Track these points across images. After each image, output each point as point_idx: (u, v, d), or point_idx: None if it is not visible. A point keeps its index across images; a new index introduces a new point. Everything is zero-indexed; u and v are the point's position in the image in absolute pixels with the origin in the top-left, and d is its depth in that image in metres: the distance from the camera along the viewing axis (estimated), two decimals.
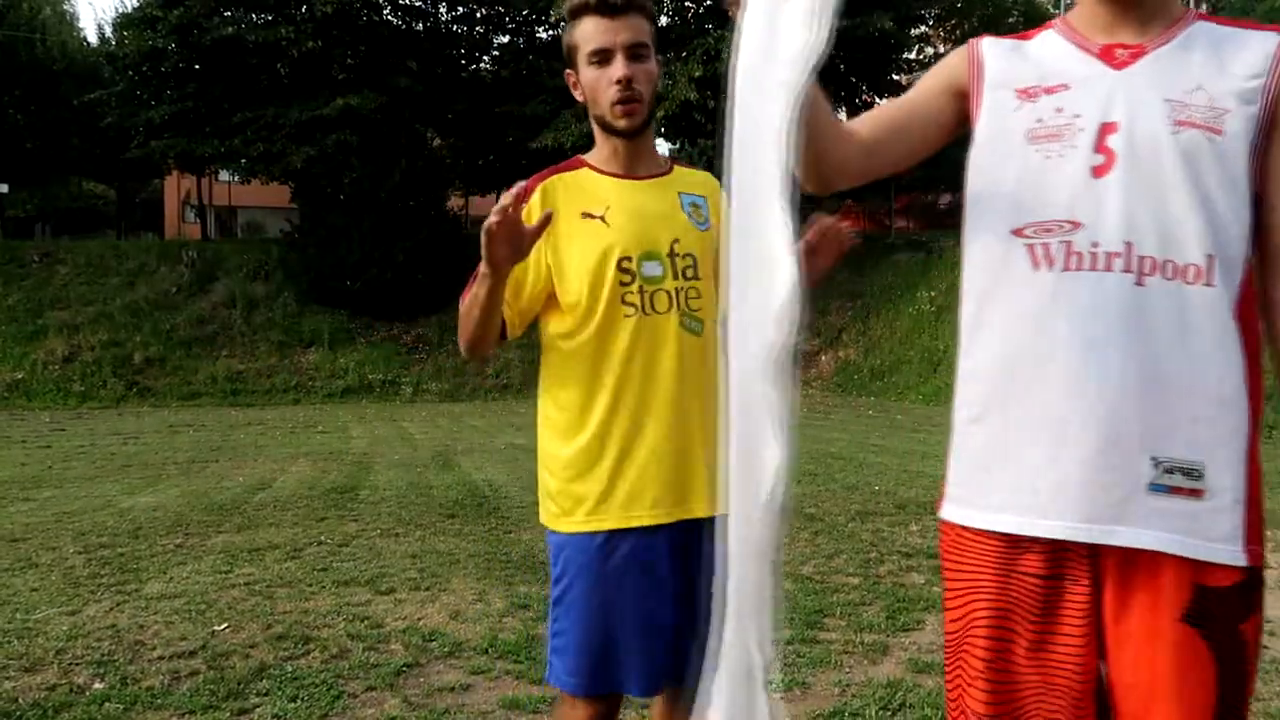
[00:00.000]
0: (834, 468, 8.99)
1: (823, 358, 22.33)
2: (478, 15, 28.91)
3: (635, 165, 2.06)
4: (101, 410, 19.76)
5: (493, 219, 1.74)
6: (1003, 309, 1.49)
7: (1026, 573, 1.44)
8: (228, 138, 24.71)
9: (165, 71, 25.77)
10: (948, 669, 1.55)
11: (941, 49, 29.19)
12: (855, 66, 23.84)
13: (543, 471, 2.09)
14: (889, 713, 3.29)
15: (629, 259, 1.97)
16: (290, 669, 3.75)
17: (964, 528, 1.51)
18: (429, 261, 23.76)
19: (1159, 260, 1.39)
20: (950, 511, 1.54)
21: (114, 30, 30.47)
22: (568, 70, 2.07)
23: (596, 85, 1.98)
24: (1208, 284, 1.39)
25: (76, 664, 3.83)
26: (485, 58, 29.80)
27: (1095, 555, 1.41)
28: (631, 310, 1.97)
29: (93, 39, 35.95)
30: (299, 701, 3.42)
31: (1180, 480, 1.38)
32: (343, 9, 24.19)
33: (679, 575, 1.99)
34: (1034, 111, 1.50)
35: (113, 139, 28.55)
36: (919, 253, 22.86)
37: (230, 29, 24.04)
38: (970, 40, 1.64)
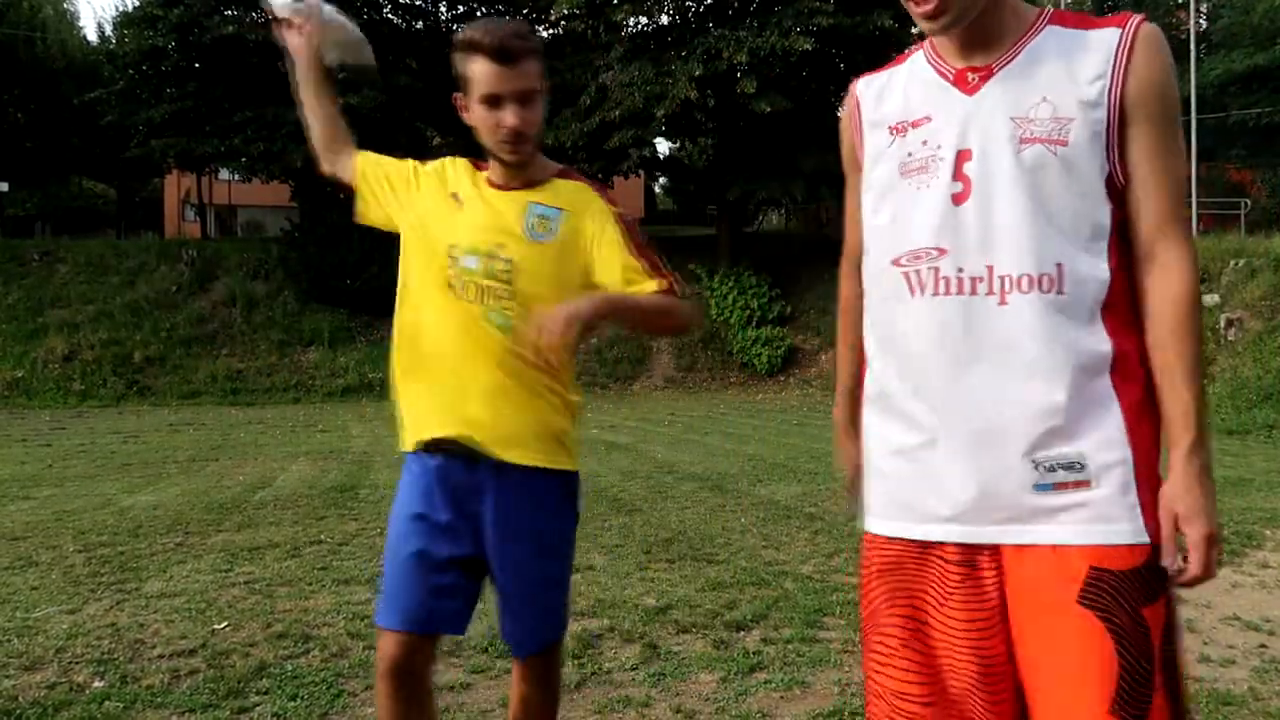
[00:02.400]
0: (834, 467, 8.98)
1: (823, 357, 22.33)
2: (478, 14, 28.90)
3: (512, 179, 2.24)
4: (101, 409, 19.77)
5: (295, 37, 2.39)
6: (890, 334, 1.60)
7: (938, 558, 1.54)
8: (228, 137, 24.69)
9: (165, 70, 25.76)
10: (864, 651, 1.67)
11: None
12: (855, 65, 23.82)
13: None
14: None
15: (456, 246, 2.18)
16: (290, 667, 3.75)
17: (874, 535, 1.63)
18: None
19: (1015, 277, 1.47)
20: (869, 524, 1.65)
21: (114, 29, 30.52)
22: (457, 94, 2.19)
23: (486, 124, 2.14)
24: (1059, 292, 1.47)
25: (76, 662, 3.83)
26: None
27: (996, 548, 1.51)
28: (452, 290, 2.18)
29: (93, 38, 36.00)
30: (299, 700, 3.42)
31: (1064, 475, 1.46)
32: (343, 8, 24.15)
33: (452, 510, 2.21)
34: (904, 146, 1.60)
35: (113, 138, 28.57)
36: None
37: (230, 28, 24.01)
38: (850, 85, 1.74)
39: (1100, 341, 1.48)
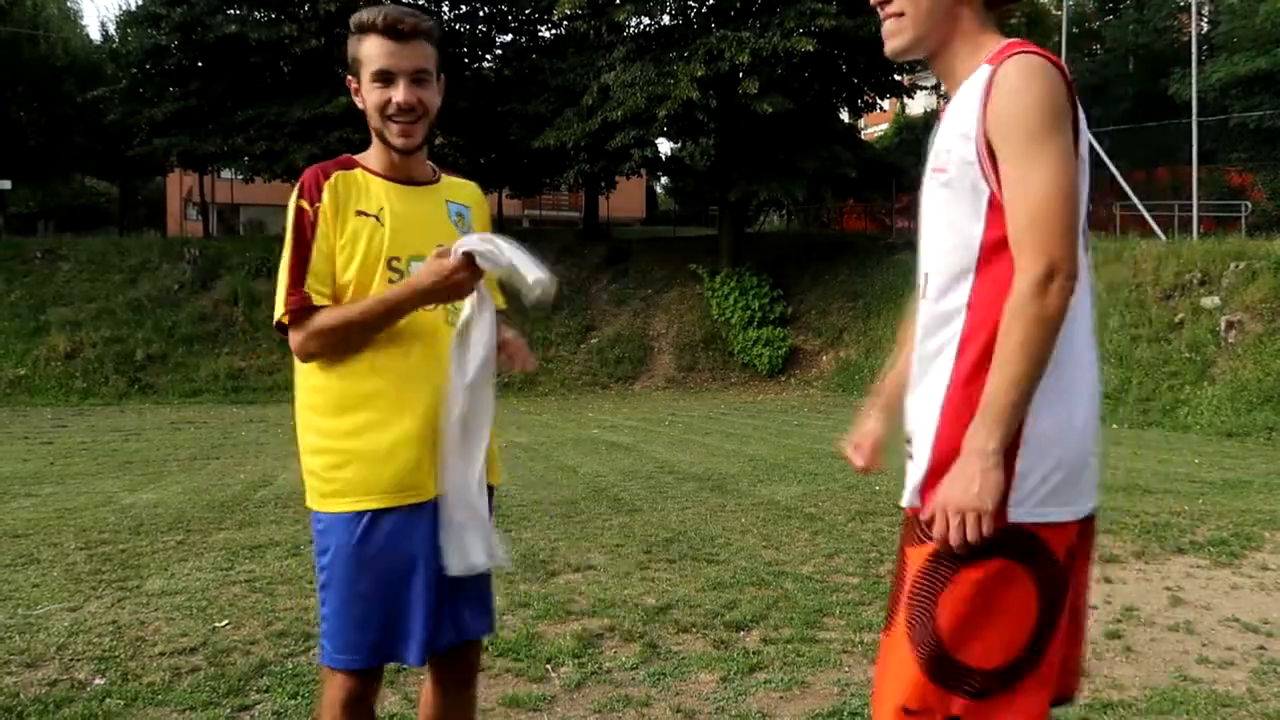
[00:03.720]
0: (834, 468, 8.99)
1: (823, 357, 22.33)
2: (480, 14, 28.90)
3: (410, 172, 2.20)
4: (103, 407, 19.78)
5: (463, 273, 2.00)
6: None
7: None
8: (230, 136, 24.69)
9: (168, 69, 25.76)
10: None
11: None
12: (857, 67, 23.81)
13: (307, 453, 2.18)
14: None
15: (398, 259, 2.10)
16: (291, 666, 3.76)
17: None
18: None
19: (920, 283, 1.82)
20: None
21: (117, 28, 30.56)
22: (349, 77, 2.16)
23: (378, 103, 2.10)
24: (923, 296, 1.79)
25: (77, 660, 3.84)
26: (488, 56, 29.81)
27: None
28: None
29: (96, 36, 36.03)
30: (299, 698, 3.43)
31: (908, 448, 1.82)
32: (346, 7, 24.12)
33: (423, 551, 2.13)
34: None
35: (115, 136, 28.56)
36: None
37: (233, 27, 24.01)
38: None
39: (951, 343, 1.73)
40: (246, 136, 24.53)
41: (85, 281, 24.20)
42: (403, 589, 2.11)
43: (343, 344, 2.10)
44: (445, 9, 28.55)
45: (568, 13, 23.18)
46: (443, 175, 2.29)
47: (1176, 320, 15.45)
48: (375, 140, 2.17)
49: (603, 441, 12.21)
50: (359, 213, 2.11)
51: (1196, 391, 14.05)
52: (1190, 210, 19.09)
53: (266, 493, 8.16)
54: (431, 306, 2.11)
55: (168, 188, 41.73)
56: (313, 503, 2.16)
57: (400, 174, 2.18)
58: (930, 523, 1.68)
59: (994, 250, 1.69)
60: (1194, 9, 22.27)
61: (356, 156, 2.20)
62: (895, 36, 1.76)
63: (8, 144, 29.21)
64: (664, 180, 41.40)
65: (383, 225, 2.11)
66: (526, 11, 27.52)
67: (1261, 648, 3.99)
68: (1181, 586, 4.93)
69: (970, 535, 1.63)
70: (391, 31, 2.07)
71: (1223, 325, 14.71)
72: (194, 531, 6.44)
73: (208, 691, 3.49)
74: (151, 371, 21.95)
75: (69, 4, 35.53)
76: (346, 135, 23.31)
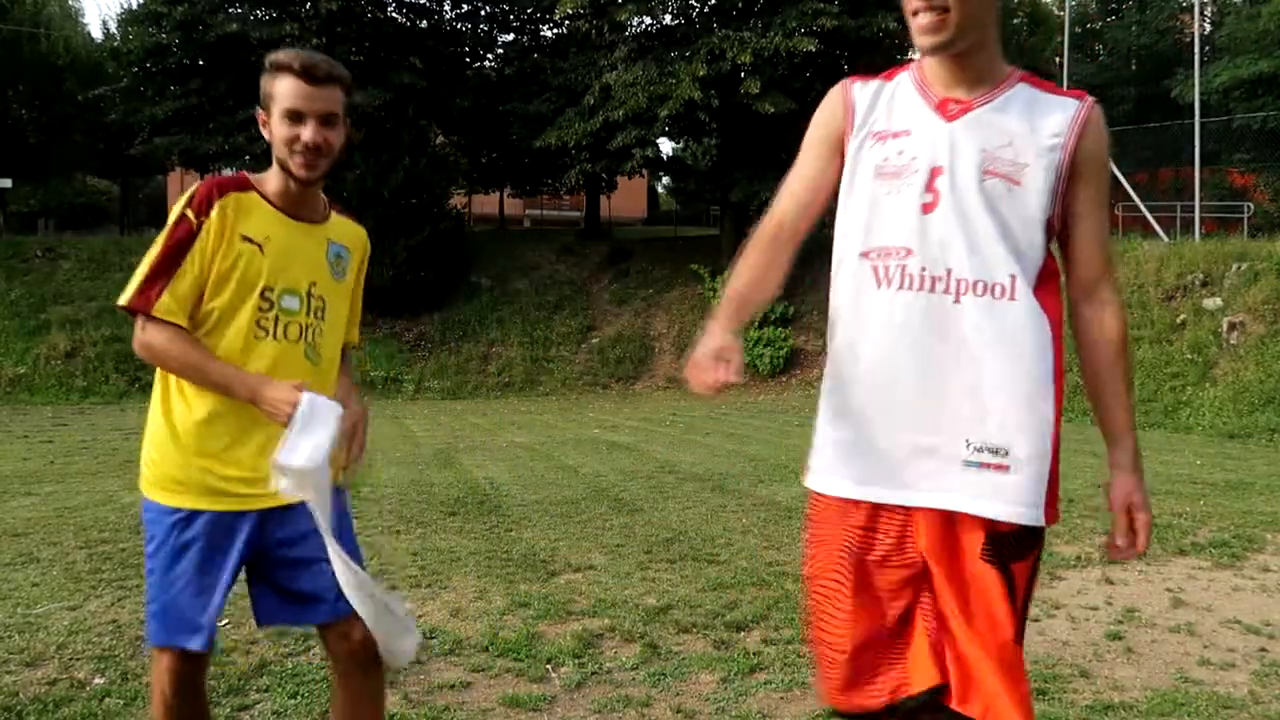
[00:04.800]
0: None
1: (825, 358, 22.31)
2: (482, 13, 28.90)
3: (300, 207, 2.28)
4: (104, 405, 19.79)
5: (286, 404, 2.07)
6: (856, 318, 1.84)
7: (855, 526, 1.86)
8: (231, 135, 24.70)
9: (169, 68, 25.78)
10: (809, 608, 2.01)
11: None
12: (859, 67, 23.79)
13: (150, 446, 2.27)
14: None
15: (271, 289, 2.21)
16: (291, 665, 3.76)
17: (820, 495, 1.97)
18: (432, 259, 23.75)
19: (971, 281, 1.74)
20: (812, 482, 1.98)
21: (118, 26, 30.53)
22: (259, 110, 2.25)
23: (284, 137, 2.19)
24: (1011, 298, 1.73)
25: (77, 659, 3.83)
26: (489, 55, 29.82)
27: (908, 513, 1.80)
28: (263, 334, 2.21)
29: (97, 35, 35.97)
30: (299, 698, 3.43)
31: (989, 457, 1.74)
32: (347, 6, 24.19)
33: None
34: (882, 151, 1.83)
35: (116, 135, 28.59)
36: None
37: (234, 26, 24.03)
38: (841, 83, 1.95)
39: (1043, 346, 1.75)
40: (247, 135, 24.50)
41: (86, 280, 24.21)
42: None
43: (175, 372, 2.22)
44: (446, 7, 28.57)
45: (569, 12, 23.19)
46: (333, 214, 2.38)
47: (1178, 321, 15.44)
48: (276, 168, 2.25)
49: (603, 441, 12.21)
50: (244, 237, 2.19)
51: (1198, 393, 14.04)
52: (1193, 211, 19.08)
53: None
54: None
55: (169, 186, 41.72)
56: (145, 489, 2.30)
57: (291, 207, 2.26)
58: (1129, 539, 1.82)
59: (1048, 271, 1.80)
60: (1196, 10, 22.24)
61: (253, 178, 2.28)
62: (938, 31, 1.73)
63: (8, 142, 29.23)
64: (665, 180, 41.42)
65: (263, 254, 2.20)
66: (528, 11, 27.52)
67: (1263, 649, 3.98)
68: (1183, 588, 4.92)
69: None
70: (306, 74, 2.17)
71: (1225, 326, 14.70)
72: None
73: (208, 691, 3.48)
74: (152, 370, 21.75)
75: (70, 2, 35.50)
76: (347, 134, 23.33)
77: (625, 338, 24.16)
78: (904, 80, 1.88)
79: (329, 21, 23.99)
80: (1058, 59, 27.62)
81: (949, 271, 1.74)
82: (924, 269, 1.75)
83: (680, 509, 7.15)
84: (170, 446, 2.22)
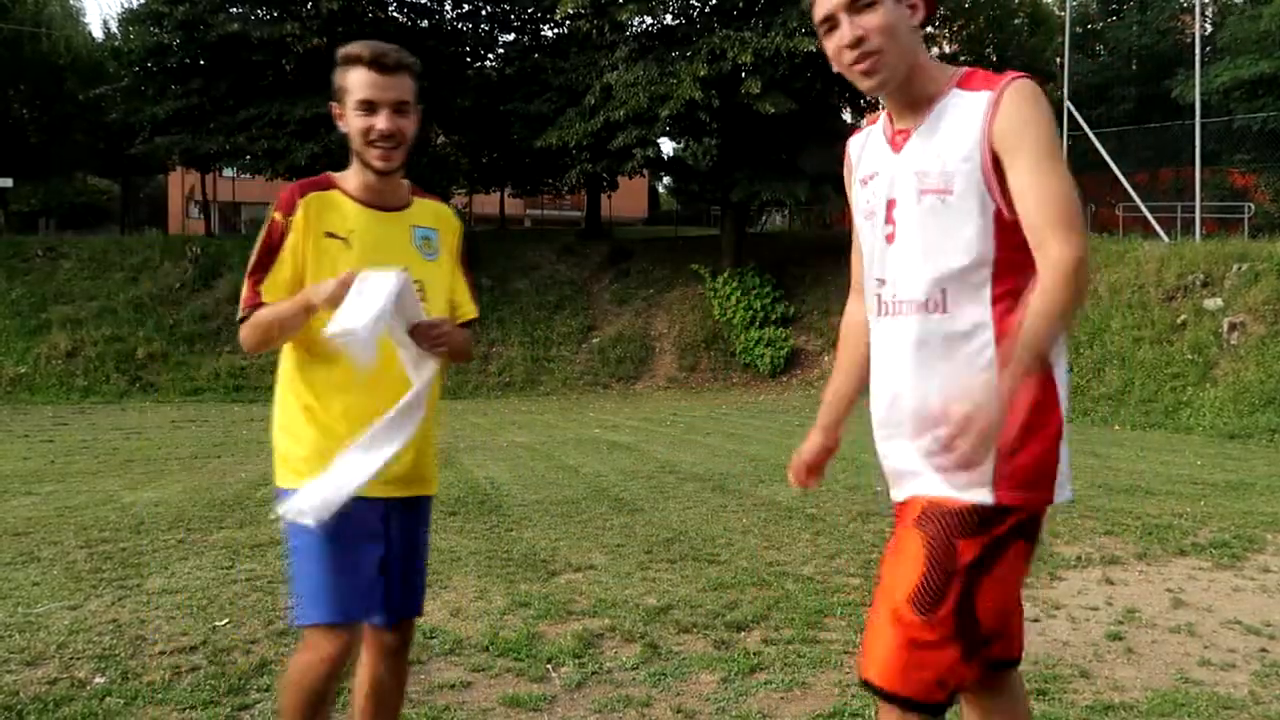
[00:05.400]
0: (835, 468, 8.99)
1: (825, 358, 22.31)
2: (483, 13, 28.91)
3: (383, 197, 2.34)
4: (104, 405, 19.79)
5: (339, 287, 2.11)
6: (869, 342, 2.04)
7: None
8: (232, 134, 24.72)
9: (170, 67, 25.79)
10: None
11: (948, 49, 29.14)
12: None
13: (284, 437, 2.36)
14: None
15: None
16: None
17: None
18: None
19: (913, 301, 1.87)
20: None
21: (119, 26, 30.53)
22: (334, 104, 2.29)
23: (360, 129, 2.25)
24: (944, 311, 1.84)
25: (78, 658, 3.83)
26: (490, 55, 29.82)
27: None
28: None
29: (98, 34, 36.01)
30: None
31: (935, 445, 1.81)
32: (348, 6, 24.19)
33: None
34: (864, 194, 1.99)
35: (117, 134, 28.61)
36: None
37: (235, 25, 24.02)
38: (845, 143, 2.10)
39: (985, 353, 1.81)
40: (248, 135, 24.56)
41: (86, 279, 24.23)
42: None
43: (276, 337, 2.27)
44: (447, 7, 28.58)
45: (570, 12, 23.18)
46: (415, 199, 2.43)
47: (1179, 322, 15.44)
48: (355, 162, 2.30)
49: (604, 441, 12.21)
50: (328, 234, 2.26)
51: (1199, 393, 14.04)
52: (1193, 212, 19.07)
53: (267, 491, 8.15)
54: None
55: (169, 186, 41.78)
56: (282, 482, 2.42)
57: (373, 198, 2.32)
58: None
59: (1006, 268, 1.81)
60: (1197, 10, 22.22)
61: (335, 176, 2.34)
62: (878, 73, 1.82)
63: (9, 142, 29.25)
64: (666, 180, 41.40)
65: (350, 247, 2.26)
66: (529, 10, 27.52)
67: (1263, 650, 3.98)
68: (1183, 588, 4.92)
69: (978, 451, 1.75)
70: (377, 64, 2.22)
71: (1225, 327, 14.70)
72: (194, 530, 6.44)
73: (208, 690, 3.48)
74: (152, 370, 21.97)
75: (71, 2, 35.54)
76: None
77: (626, 338, 24.16)
78: (879, 123, 2.00)
79: (330, 21, 23.97)
80: (1058, 59, 27.60)
81: (901, 295, 1.89)
82: (894, 295, 1.90)
83: (681, 509, 7.15)
84: (307, 433, 2.30)
